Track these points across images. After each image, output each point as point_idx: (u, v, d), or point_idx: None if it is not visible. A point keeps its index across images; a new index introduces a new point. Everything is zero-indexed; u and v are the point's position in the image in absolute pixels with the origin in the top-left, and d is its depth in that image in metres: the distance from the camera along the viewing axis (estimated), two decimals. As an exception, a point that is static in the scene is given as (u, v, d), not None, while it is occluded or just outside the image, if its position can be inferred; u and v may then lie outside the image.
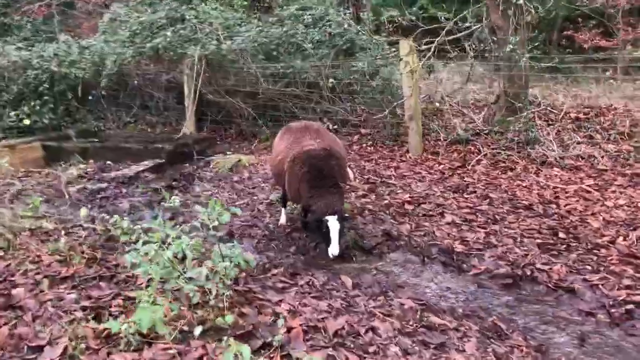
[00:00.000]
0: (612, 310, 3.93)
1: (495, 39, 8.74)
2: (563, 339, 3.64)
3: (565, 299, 4.19)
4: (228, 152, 8.81)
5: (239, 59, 10.07)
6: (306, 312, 3.79)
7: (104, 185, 7.61)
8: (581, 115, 8.94)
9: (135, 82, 10.66)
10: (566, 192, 6.56)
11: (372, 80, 9.62)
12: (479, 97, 10.39)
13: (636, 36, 10.76)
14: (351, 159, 8.44)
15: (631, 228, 5.34)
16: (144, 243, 3.53)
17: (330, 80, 9.77)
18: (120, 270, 4.53)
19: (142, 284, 4.16)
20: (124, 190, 7.47)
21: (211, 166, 8.56)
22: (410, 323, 3.65)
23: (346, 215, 5.09)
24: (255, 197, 6.97)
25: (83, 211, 5.90)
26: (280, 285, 4.28)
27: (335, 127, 9.81)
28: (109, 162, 8.92)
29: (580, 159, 7.59)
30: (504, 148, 8.33)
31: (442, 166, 8.01)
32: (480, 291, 4.40)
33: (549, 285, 4.37)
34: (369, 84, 9.75)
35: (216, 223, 3.73)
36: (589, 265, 4.62)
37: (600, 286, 4.27)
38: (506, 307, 4.13)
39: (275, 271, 4.58)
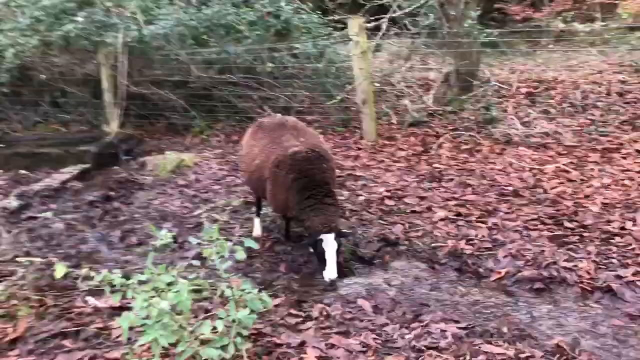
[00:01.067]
0: (667, 312, 3.59)
1: (446, 14, 8.31)
2: (633, 354, 3.24)
3: (607, 302, 3.81)
4: (168, 152, 7.81)
5: (165, 45, 8.99)
6: (339, 356, 3.15)
7: (26, 201, 6.44)
8: (532, 90, 8.77)
9: (43, 76, 9.27)
10: (545, 174, 6.28)
11: (316, 63, 8.92)
12: (427, 75, 9.99)
13: (565, 7, 10.79)
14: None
15: (632, 210, 5.09)
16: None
17: (269, 64, 8.97)
18: (85, 319, 3.67)
19: (118, 338, 3.36)
20: (53, 206, 6.37)
21: (148, 168, 7.56)
22: (467, 357, 3.10)
23: (344, 230, 4.45)
24: (213, 205, 6.13)
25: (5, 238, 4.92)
26: (291, 320, 3.59)
27: (278, 114, 9.05)
28: (23, 171, 7.68)
29: (545, 136, 7.37)
30: (462, 129, 7.98)
31: (404, 152, 7.53)
32: (513, 302, 3.93)
33: (583, 286, 3.97)
34: (313, 67, 9.05)
35: (228, 263, 2.97)
36: (613, 258, 4.28)
37: (637, 282, 3.93)
38: (550, 319, 3.68)
39: (276, 301, 3.85)
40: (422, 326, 3.49)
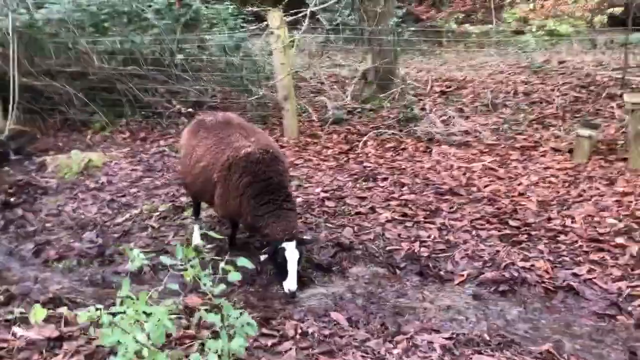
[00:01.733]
0: (628, 308, 3.71)
1: (365, 11, 8.23)
2: (614, 355, 3.29)
3: (572, 302, 3.88)
4: (73, 151, 6.99)
5: (60, 32, 8.08)
6: (332, 380, 2.89)
7: None
8: (445, 89, 8.98)
9: None
10: (474, 172, 6.40)
11: (232, 56, 8.48)
12: (342, 72, 9.89)
13: (464, 9, 11.22)
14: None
15: (565, 207, 5.29)
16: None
17: (178, 56, 8.39)
18: (19, 357, 3.12)
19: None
20: (-62, 217, 5.45)
21: (50, 170, 6.73)
22: (465, 370, 2.97)
23: (305, 237, 4.17)
24: (136, 210, 5.55)
25: None
26: (266, 341, 3.26)
27: (190, 110, 8.51)
28: None
29: (465, 135, 7.54)
30: (383, 127, 7.97)
31: (330, 150, 7.36)
32: (482, 305, 3.88)
33: (546, 286, 4.02)
34: (227, 60, 8.60)
35: (221, 287, 2.60)
36: (565, 256, 4.40)
37: (594, 280, 4.05)
38: (524, 322, 3.67)
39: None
40: (406, 339, 3.32)
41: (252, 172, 4.08)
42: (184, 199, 5.76)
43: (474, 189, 5.91)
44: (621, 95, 8.47)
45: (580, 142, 6.50)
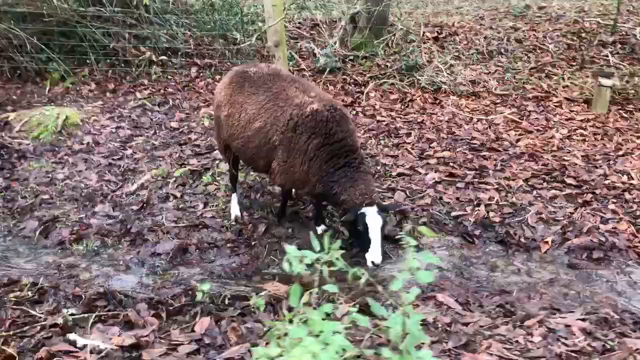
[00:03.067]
0: None
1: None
2: None
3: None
4: (47, 107, 5.96)
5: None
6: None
7: None
8: (437, 35, 8.48)
9: None
10: (497, 124, 6.04)
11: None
12: (319, 16, 9.11)
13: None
14: (207, 99, 6.57)
15: (611, 162, 5.06)
16: None
17: (147, -5, 7.37)
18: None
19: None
20: None
21: (17, 129, 5.71)
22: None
23: (386, 203, 3.63)
24: (145, 177, 4.77)
25: None
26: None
27: (163, 57, 7.58)
28: None
29: (472, 85, 7.13)
30: (382, 76, 7.41)
31: (333, 103, 6.73)
32: (585, 276, 3.54)
33: (638, 251, 3.73)
34: (205, 1, 7.65)
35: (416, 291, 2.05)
36: (642, 217, 4.12)
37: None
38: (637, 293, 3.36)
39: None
40: (538, 323, 2.91)
41: (323, 133, 3.46)
42: (194, 161, 5.03)
43: (507, 143, 5.55)
44: (613, 43, 8.36)
45: (601, 92, 6.25)
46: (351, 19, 8.20)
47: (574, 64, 7.82)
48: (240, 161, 4.16)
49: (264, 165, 3.71)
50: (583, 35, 8.56)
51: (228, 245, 3.78)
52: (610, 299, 3.25)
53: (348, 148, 3.49)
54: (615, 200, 4.36)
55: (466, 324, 2.90)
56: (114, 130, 5.76)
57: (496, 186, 4.60)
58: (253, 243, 3.79)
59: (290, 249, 2.06)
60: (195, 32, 7.86)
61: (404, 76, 7.35)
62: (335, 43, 8.07)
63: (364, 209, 3.36)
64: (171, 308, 2.94)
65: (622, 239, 3.85)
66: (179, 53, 7.75)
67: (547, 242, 3.86)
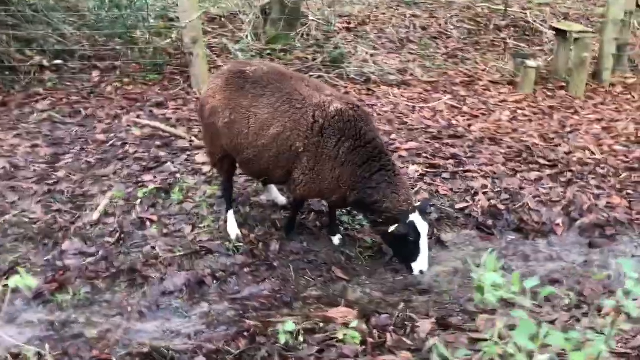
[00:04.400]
0: None
1: None
2: None
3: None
4: None
5: None
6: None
7: None
8: (348, 25, 8.35)
9: None
10: (441, 111, 6.04)
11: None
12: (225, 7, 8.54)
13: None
14: (124, 107, 5.83)
15: (566, 139, 5.25)
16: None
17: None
18: None
19: None
20: None
21: None
22: None
23: (428, 204, 3.38)
24: (104, 202, 4.02)
25: None
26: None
27: (57, 62, 6.60)
28: None
29: (399, 73, 7.08)
30: (305, 69, 7.09)
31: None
32: (609, 255, 3.58)
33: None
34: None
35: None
36: (627, 190, 4.31)
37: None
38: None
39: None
40: (614, 311, 2.84)
41: (354, 135, 3.09)
42: (149, 177, 4.36)
43: (461, 129, 5.54)
44: (507, 27, 8.84)
45: (527, 73, 6.51)
46: (262, 11, 7.77)
47: (479, 48, 8.14)
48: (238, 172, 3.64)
49: (282, 175, 3.25)
50: (479, 20, 8.95)
51: (245, 270, 3.26)
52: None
53: (380, 149, 3.16)
54: (593, 176, 4.51)
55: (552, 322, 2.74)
56: (28, 149, 4.83)
57: (482, 173, 4.55)
58: (275, 264, 3.32)
59: (488, 277, 1.72)
60: (87, 31, 6.92)
61: (330, 68, 7.10)
62: (247, 37, 7.58)
63: (411, 217, 3.08)
64: (231, 356, 2.43)
65: (621, 212, 3.97)
66: (76, 56, 6.78)
67: (559, 225, 3.87)
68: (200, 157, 4.79)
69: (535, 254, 3.57)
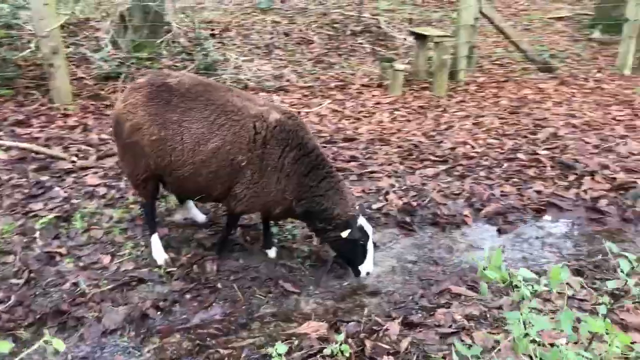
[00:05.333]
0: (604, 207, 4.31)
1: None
2: None
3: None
4: None
5: None
6: None
7: None
8: (211, 32, 8.15)
9: None
10: (325, 115, 6.17)
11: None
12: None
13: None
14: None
15: (445, 136, 5.66)
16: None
17: None
18: None
19: None
20: None
21: None
22: None
23: (365, 207, 3.42)
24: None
25: None
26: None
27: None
28: None
29: (275, 79, 7.09)
30: (177, 78, 6.81)
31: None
32: (522, 239, 3.93)
33: (535, 207, 4.31)
34: None
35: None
36: (513, 177, 4.76)
37: (559, 193, 4.53)
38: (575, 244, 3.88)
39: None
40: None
41: (297, 144, 3.03)
42: (39, 205, 3.87)
43: (350, 132, 5.71)
44: (362, 32, 9.27)
45: (396, 76, 6.90)
46: (120, 16, 7.27)
47: (342, 53, 8.45)
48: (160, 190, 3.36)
49: (222, 192, 3.07)
50: (336, 26, 9.28)
51: (187, 296, 3.03)
52: (559, 250, 3.69)
53: (322, 157, 3.14)
54: (480, 169, 4.92)
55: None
56: None
57: (385, 173, 4.73)
58: (218, 286, 3.13)
59: (520, 272, 1.81)
60: None
61: (204, 76, 6.87)
62: (106, 45, 7.05)
63: (359, 220, 3.12)
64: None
65: (515, 199, 4.38)
66: None
67: (467, 216, 4.16)
68: (91, 178, 4.38)
69: (456, 244, 3.80)
